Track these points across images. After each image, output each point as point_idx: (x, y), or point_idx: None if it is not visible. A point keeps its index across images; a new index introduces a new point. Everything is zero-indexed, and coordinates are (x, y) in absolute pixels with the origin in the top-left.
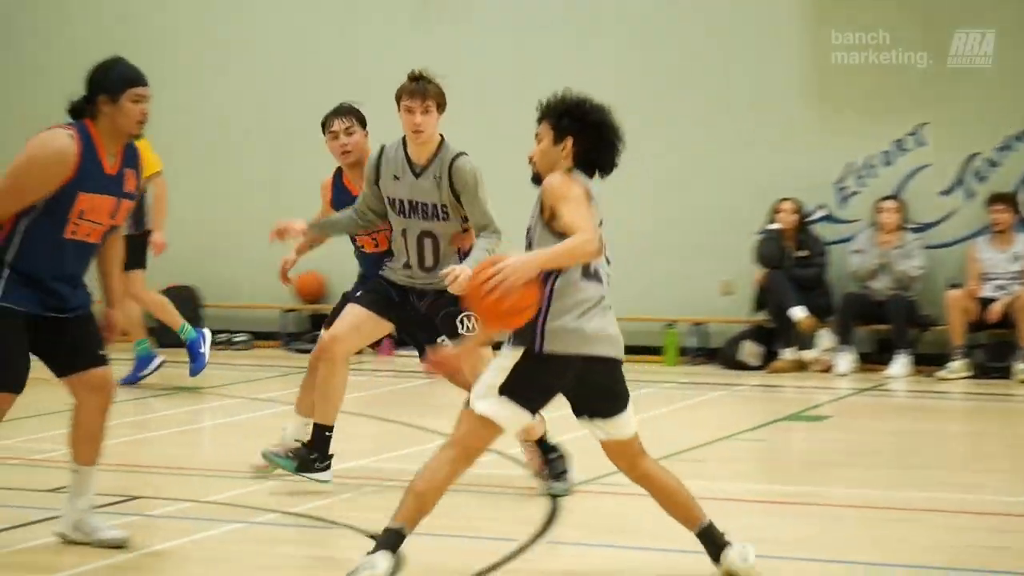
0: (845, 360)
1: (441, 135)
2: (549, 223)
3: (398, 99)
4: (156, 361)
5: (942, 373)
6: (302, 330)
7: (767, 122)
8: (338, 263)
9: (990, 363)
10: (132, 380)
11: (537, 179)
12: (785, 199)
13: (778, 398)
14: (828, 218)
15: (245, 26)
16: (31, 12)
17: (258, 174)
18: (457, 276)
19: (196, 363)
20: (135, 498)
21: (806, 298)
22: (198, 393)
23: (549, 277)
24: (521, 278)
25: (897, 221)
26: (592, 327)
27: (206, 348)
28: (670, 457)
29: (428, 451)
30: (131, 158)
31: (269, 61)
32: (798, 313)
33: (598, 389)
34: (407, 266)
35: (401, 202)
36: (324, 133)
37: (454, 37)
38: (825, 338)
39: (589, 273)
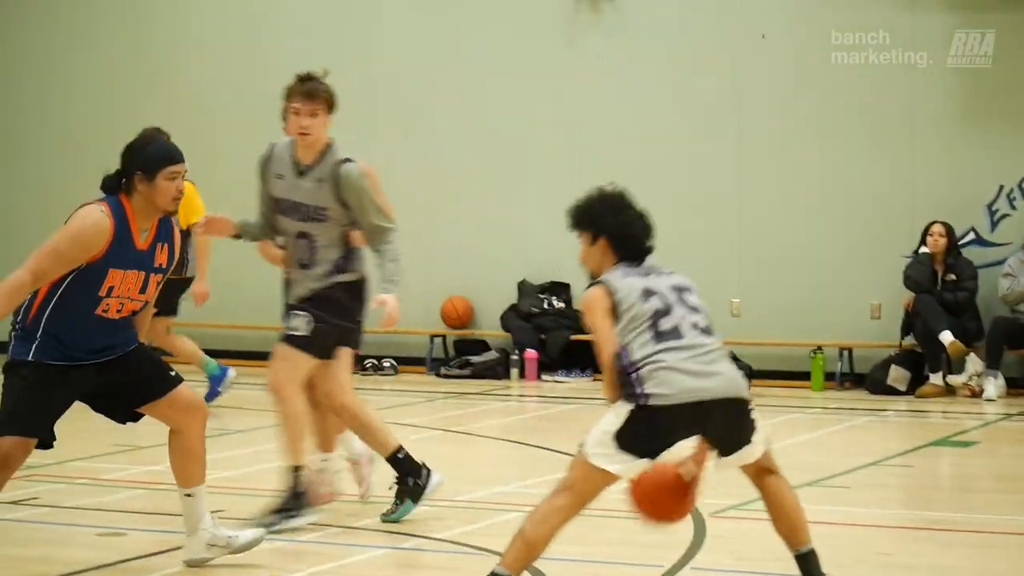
0: (994, 385)
1: (331, 138)
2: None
3: (286, 99)
4: (230, 373)
5: None
6: (448, 356)
7: (919, 141)
8: (484, 288)
9: None
10: (210, 397)
11: (592, 278)
12: (935, 222)
13: (926, 423)
14: (979, 241)
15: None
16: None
17: (405, 201)
18: (388, 312)
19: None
20: None
21: (955, 322)
22: None
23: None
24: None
25: None
26: (686, 378)
27: (224, 387)
28: (816, 484)
29: None
30: (165, 232)
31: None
32: (947, 337)
33: (716, 430)
34: (290, 265)
35: (282, 201)
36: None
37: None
38: (974, 363)
39: (663, 334)
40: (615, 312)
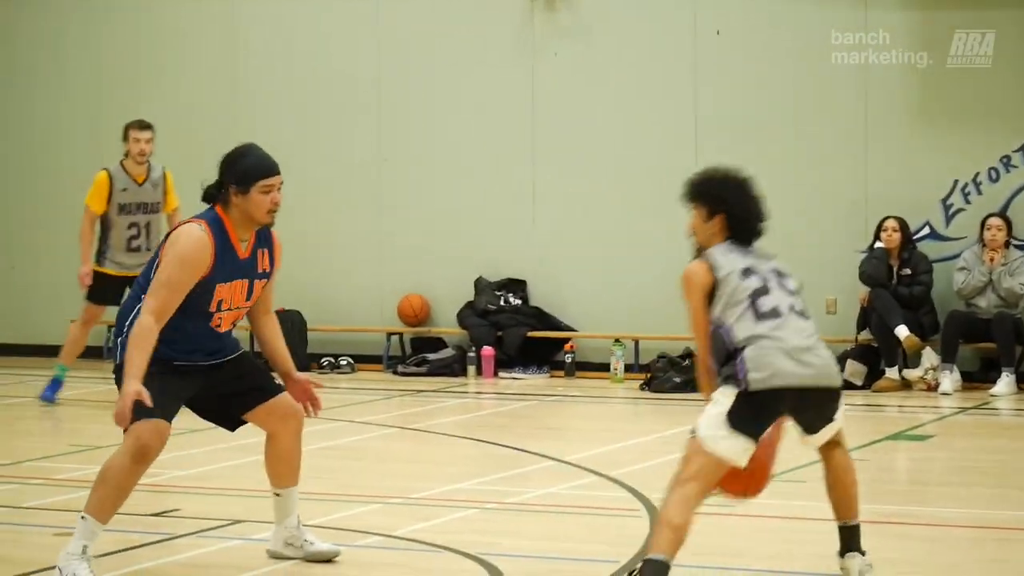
0: (949, 379)
1: None
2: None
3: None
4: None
5: None
6: (405, 353)
7: (873, 138)
8: (440, 286)
9: None
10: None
11: (699, 251)
12: (889, 217)
13: (882, 417)
14: (933, 235)
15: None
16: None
17: (362, 199)
18: None
19: (47, 391)
20: (238, 522)
21: (910, 317)
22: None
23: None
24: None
25: (1003, 238)
26: (787, 361)
27: (57, 394)
28: (772, 478)
29: (529, 473)
30: (264, 239)
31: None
32: (902, 332)
33: (808, 413)
34: None
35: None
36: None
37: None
38: (929, 357)
39: (764, 315)
40: (713, 289)
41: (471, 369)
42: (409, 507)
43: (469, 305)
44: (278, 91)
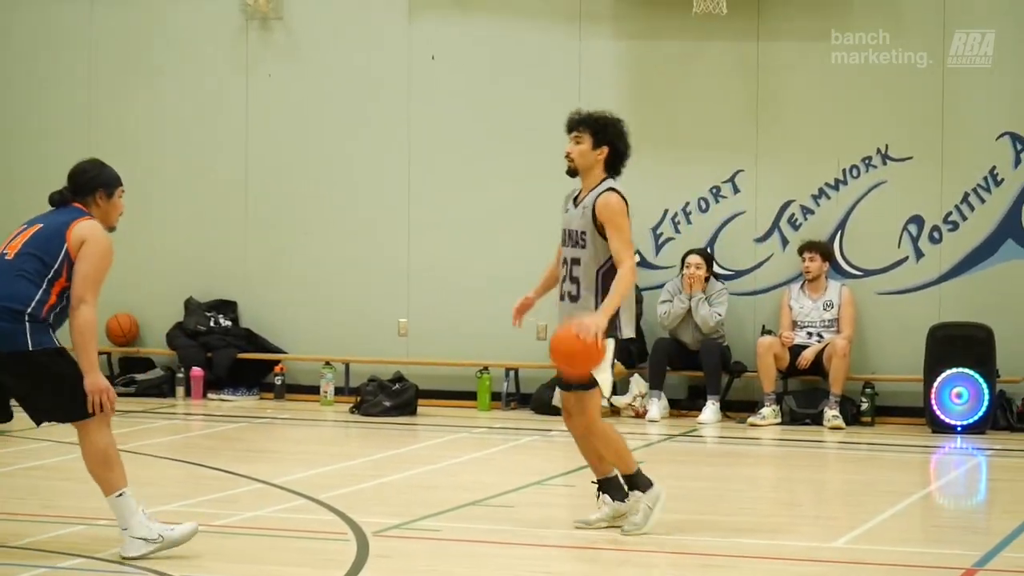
0: (657, 406)
1: None
2: (600, 232)
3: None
4: None
5: (753, 419)
6: (110, 374)
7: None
8: (149, 305)
9: (800, 409)
10: None
11: (572, 172)
12: None
13: None
14: (643, 264)
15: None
16: None
17: None
18: None
19: None
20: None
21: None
22: (7, 436)
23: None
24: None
25: (702, 275)
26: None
27: None
28: (481, 503)
29: (237, 495)
30: None
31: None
32: None
33: None
34: None
35: None
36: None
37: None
38: (638, 384)
39: None
40: None
41: (180, 390)
42: (113, 528)
43: (178, 325)
44: None
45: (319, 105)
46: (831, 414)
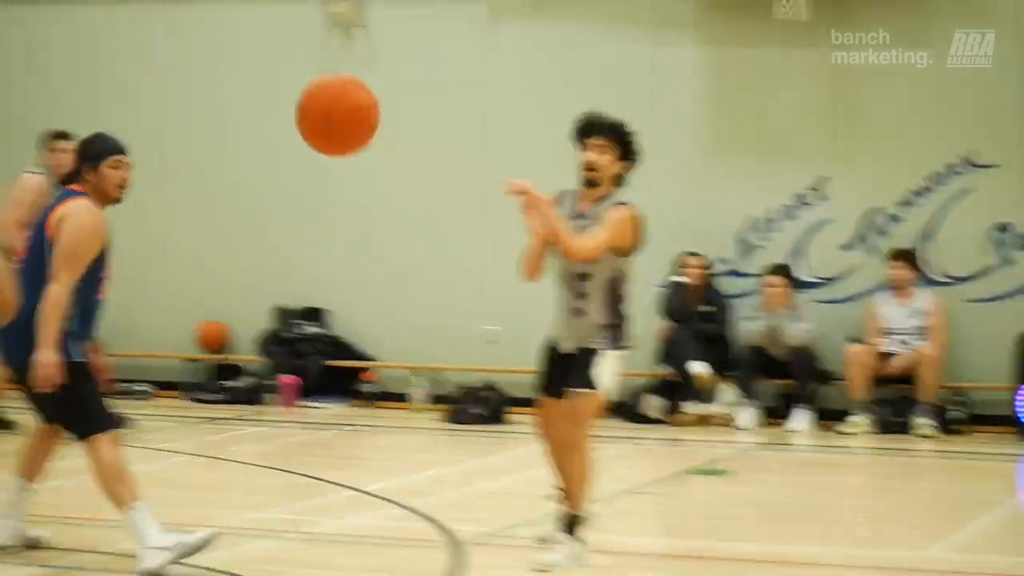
0: (747, 414)
1: None
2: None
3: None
4: None
5: (843, 427)
6: (204, 380)
7: (674, 173)
8: (240, 313)
9: (891, 418)
10: None
11: (592, 183)
12: (690, 253)
13: (681, 452)
14: (733, 271)
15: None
16: None
17: (159, 223)
18: None
19: None
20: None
21: (709, 352)
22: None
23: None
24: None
25: (782, 294)
26: None
27: None
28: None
29: (329, 503)
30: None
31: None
32: (696, 368)
33: None
34: None
35: None
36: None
37: None
38: (727, 392)
39: None
40: None
41: (271, 397)
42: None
43: (268, 333)
44: None
45: (397, 112)
46: (922, 422)
